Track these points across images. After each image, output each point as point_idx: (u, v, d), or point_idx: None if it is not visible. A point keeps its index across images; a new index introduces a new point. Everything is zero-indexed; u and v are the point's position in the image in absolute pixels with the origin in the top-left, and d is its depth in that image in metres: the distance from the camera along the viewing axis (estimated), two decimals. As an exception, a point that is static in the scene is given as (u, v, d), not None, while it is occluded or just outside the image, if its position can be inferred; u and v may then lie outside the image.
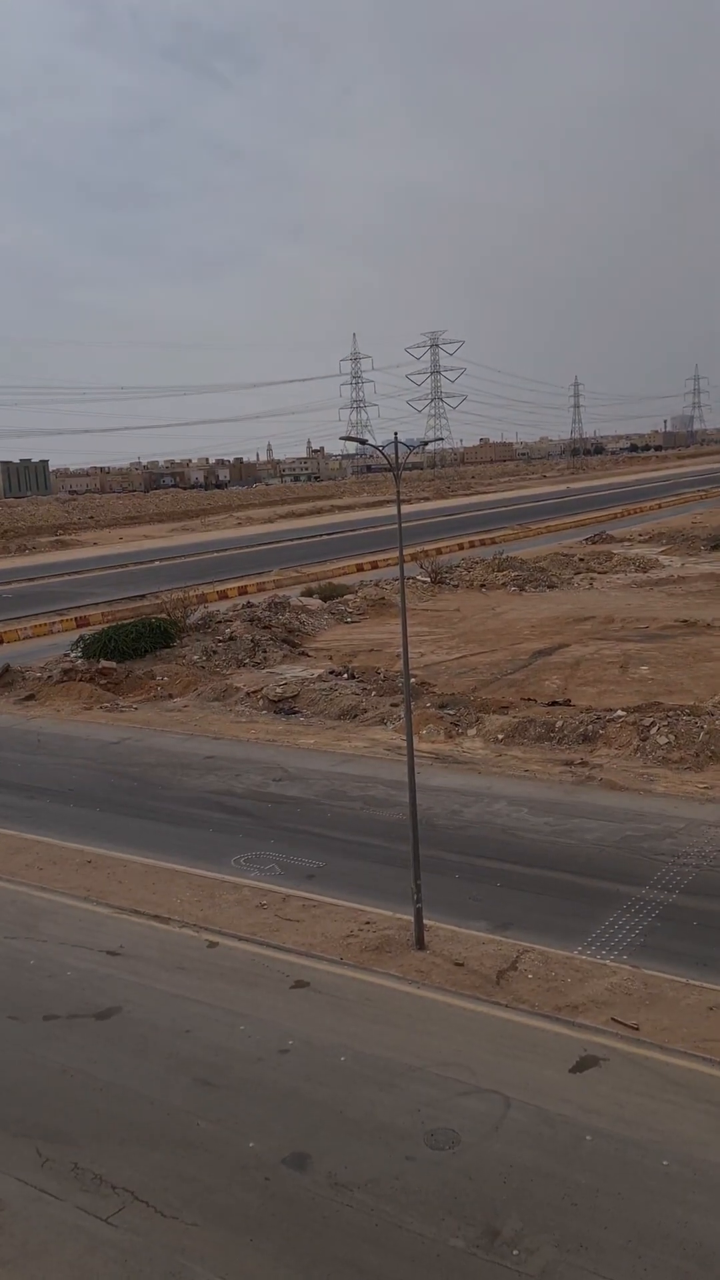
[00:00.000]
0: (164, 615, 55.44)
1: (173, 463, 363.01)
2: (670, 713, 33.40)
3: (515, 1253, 12.50)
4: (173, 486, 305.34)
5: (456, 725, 35.59)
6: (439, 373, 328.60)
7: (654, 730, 32.20)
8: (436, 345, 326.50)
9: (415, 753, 21.75)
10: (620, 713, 34.46)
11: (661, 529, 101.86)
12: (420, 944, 20.34)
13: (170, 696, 44.44)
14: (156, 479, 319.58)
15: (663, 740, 31.62)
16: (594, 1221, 12.94)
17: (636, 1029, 17.08)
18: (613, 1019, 17.41)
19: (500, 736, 34.36)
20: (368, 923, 21.64)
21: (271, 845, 26.58)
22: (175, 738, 38.18)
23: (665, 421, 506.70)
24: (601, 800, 28.32)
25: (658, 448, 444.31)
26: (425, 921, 20.57)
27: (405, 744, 21.66)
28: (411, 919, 20.63)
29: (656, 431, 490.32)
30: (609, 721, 33.62)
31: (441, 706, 37.25)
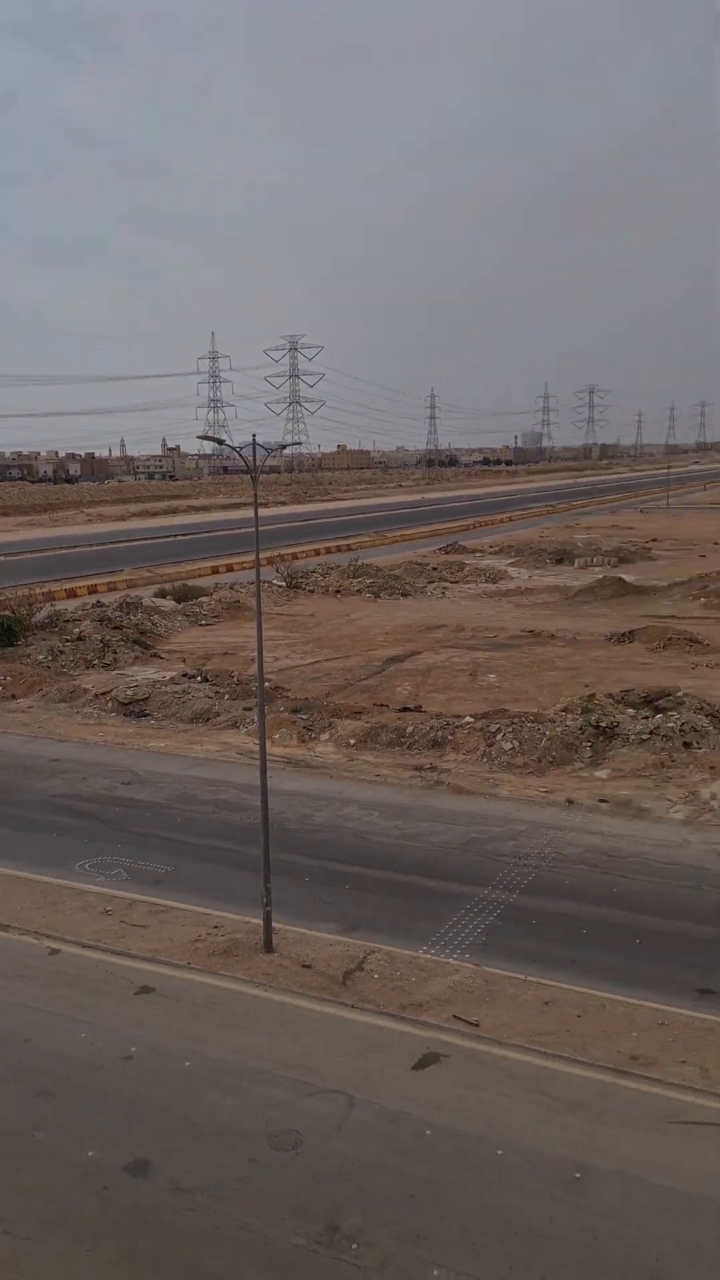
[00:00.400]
0: (8, 613, 53.51)
1: (19, 454, 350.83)
2: (515, 719, 34.56)
3: (354, 1247, 12.72)
4: (19, 479, 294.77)
5: (309, 730, 35.81)
6: (298, 376, 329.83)
7: (500, 736, 33.26)
8: (295, 349, 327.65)
9: (268, 757, 21.82)
10: (468, 719, 35.43)
11: (511, 542, 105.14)
12: (269, 947, 20.40)
13: (13, 697, 42.99)
14: (1, 471, 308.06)
15: (508, 746, 32.70)
16: (432, 1213, 13.30)
17: (476, 1025, 17.63)
18: (454, 1016, 17.92)
19: (352, 741, 34.78)
20: (216, 927, 21.55)
21: (119, 850, 26.10)
22: (18, 739, 36.97)
23: (516, 437, 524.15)
24: (449, 804, 29.05)
25: (509, 462, 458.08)
26: (274, 924, 20.64)
27: (258, 748, 21.69)
28: (261, 922, 20.67)
29: (508, 446, 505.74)
30: (458, 728, 34.51)
31: (295, 711, 37.41)
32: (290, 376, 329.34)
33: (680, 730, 32.54)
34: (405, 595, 71.64)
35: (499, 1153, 14.42)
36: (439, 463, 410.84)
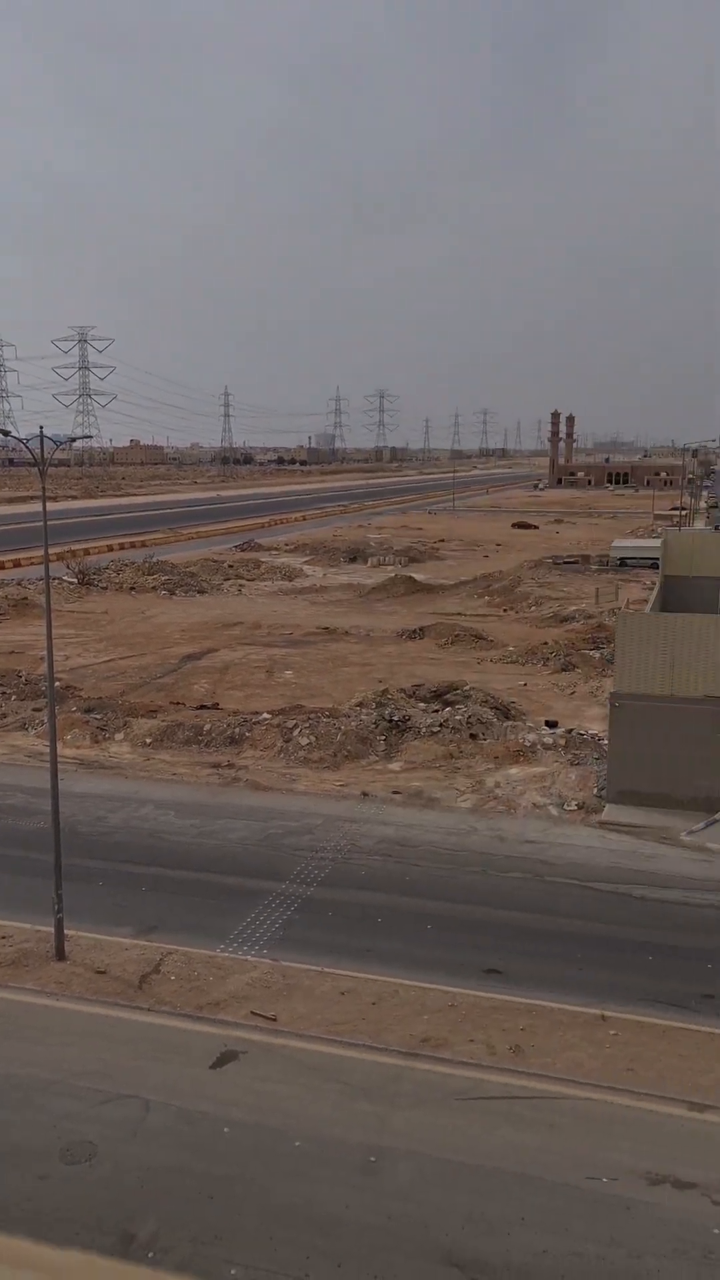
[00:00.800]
0: None
1: None
2: (311, 715, 34.94)
3: (151, 1254, 12.51)
4: None
5: (103, 730, 34.87)
6: (88, 368, 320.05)
7: (296, 732, 33.53)
8: (85, 340, 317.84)
9: (59, 759, 21.07)
10: (266, 716, 35.52)
11: (306, 540, 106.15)
12: (61, 955, 19.72)
13: None
14: None
15: (304, 741, 33.02)
16: (229, 1210, 13.27)
17: (274, 1019, 17.72)
18: (252, 1012, 17.94)
19: (148, 740, 34.12)
20: (4, 937, 20.62)
21: None
22: None
23: (310, 438, 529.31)
24: (247, 800, 29.03)
25: (303, 462, 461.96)
26: (67, 931, 19.97)
27: (48, 749, 20.90)
28: (52, 930, 19.94)
29: (302, 447, 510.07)
30: (255, 724, 34.52)
31: (88, 711, 36.31)
32: (80, 368, 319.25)
33: (467, 722, 33.89)
34: (201, 592, 70.95)
35: (296, 1144, 14.57)
36: (234, 460, 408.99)
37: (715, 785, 27.56)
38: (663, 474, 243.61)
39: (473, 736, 33.23)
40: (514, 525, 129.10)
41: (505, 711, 35.99)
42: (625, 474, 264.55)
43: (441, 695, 37.33)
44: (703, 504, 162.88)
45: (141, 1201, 13.41)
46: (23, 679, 41.27)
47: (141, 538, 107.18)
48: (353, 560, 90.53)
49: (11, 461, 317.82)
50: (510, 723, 34.76)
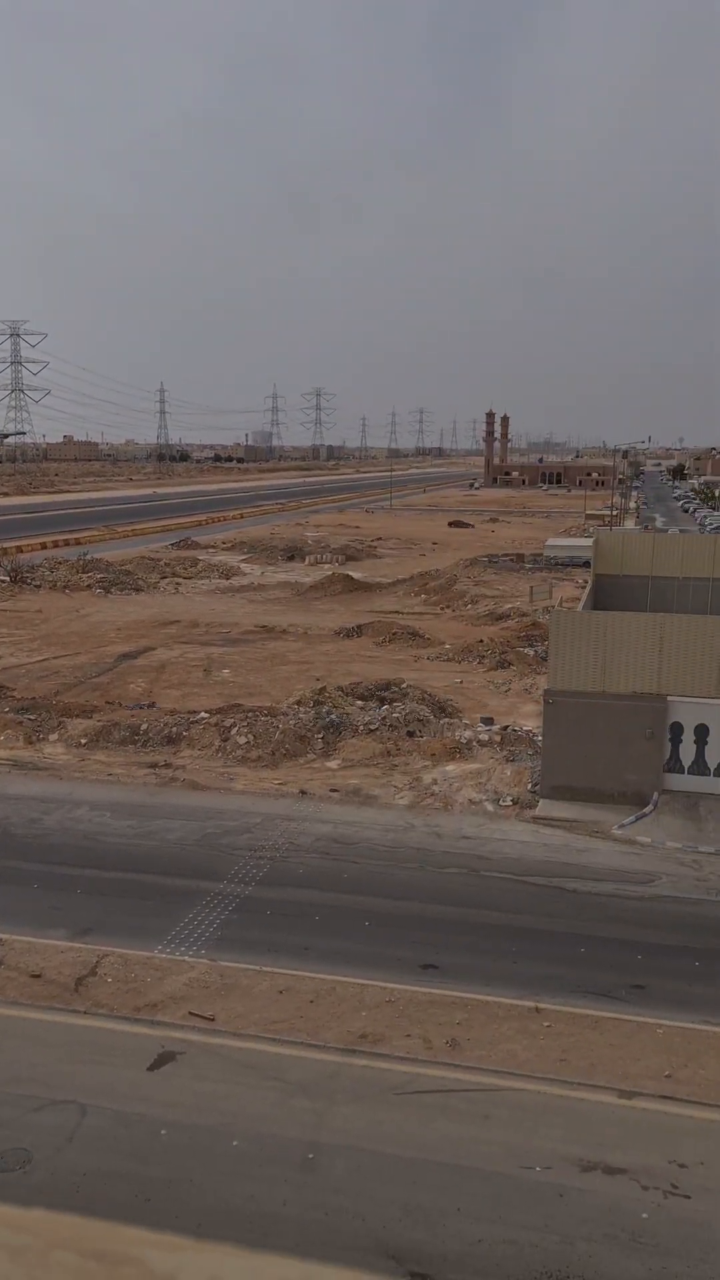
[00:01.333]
0: None
1: None
2: (249, 714, 34.88)
3: (89, 1258, 12.46)
4: None
5: (38, 730, 34.40)
6: (20, 363, 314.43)
7: (234, 731, 33.45)
8: (17, 335, 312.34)
9: (-10, 760, 20.83)
10: (203, 714, 35.37)
11: (243, 538, 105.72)
12: (-7, 960, 19.46)
13: None
14: None
15: (242, 740, 32.95)
16: (166, 1213, 13.26)
17: (212, 1019, 17.72)
18: (190, 1013, 17.91)
19: (84, 741, 33.76)
20: (-66, 943, 20.27)
21: None
22: None
23: (247, 435, 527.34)
24: (184, 800, 28.89)
25: (240, 460, 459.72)
26: (0, 935, 19.75)
27: (-21, 751, 20.63)
28: (-17, 934, 19.69)
29: (239, 444, 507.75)
30: (193, 723, 34.35)
31: (21, 711, 35.79)
32: (12, 363, 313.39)
33: (404, 720, 34.13)
34: (138, 591, 70.28)
35: (235, 1143, 14.60)
36: (170, 457, 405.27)
37: (644, 780, 28.19)
38: (594, 474, 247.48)
39: (410, 734, 33.48)
40: (450, 524, 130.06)
41: (442, 709, 36.33)
42: (558, 474, 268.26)
43: (379, 693, 37.54)
44: (632, 504, 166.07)
45: (78, 1207, 13.33)
46: (-47, 679, 40.52)
47: (76, 535, 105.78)
48: (290, 558, 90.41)
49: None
50: (447, 720, 35.10)
